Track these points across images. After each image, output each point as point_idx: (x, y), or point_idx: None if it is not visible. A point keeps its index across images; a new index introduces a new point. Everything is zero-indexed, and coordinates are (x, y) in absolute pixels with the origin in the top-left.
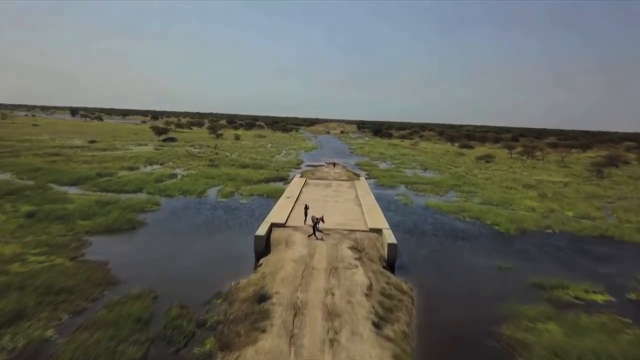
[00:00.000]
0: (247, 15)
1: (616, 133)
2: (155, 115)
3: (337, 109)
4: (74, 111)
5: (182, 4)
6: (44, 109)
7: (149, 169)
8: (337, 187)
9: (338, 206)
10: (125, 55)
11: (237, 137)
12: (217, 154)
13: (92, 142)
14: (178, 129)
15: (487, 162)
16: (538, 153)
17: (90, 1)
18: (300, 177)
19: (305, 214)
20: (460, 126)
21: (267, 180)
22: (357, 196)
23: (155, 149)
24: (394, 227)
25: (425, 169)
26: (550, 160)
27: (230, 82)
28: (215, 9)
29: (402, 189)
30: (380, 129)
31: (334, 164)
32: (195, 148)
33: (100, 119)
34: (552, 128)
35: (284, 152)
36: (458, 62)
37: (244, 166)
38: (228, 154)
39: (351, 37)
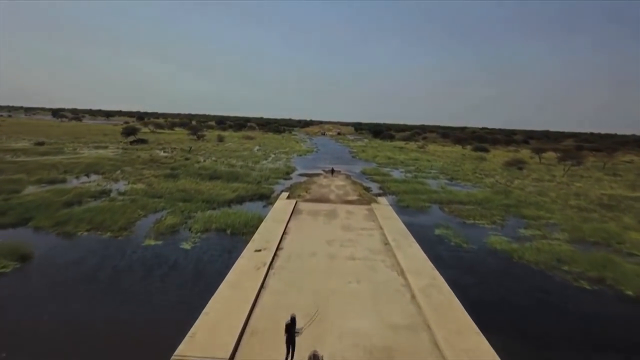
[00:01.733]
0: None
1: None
2: (141, 116)
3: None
4: (55, 112)
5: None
6: (28, 109)
7: (79, 181)
8: (347, 219)
9: (357, 274)
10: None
11: (221, 139)
12: (187, 159)
13: (39, 144)
14: (158, 130)
15: (520, 169)
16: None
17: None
18: (288, 197)
19: (290, 347)
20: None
21: (240, 200)
22: (385, 242)
23: (113, 153)
24: (471, 305)
25: (451, 179)
26: (589, 166)
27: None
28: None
29: (437, 212)
30: (380, 131)
31: (333, 171)
32: (165, 152)
33: (79, 119)
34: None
35: (273, 156)
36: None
37: (214, 177)
38: (201, 159)
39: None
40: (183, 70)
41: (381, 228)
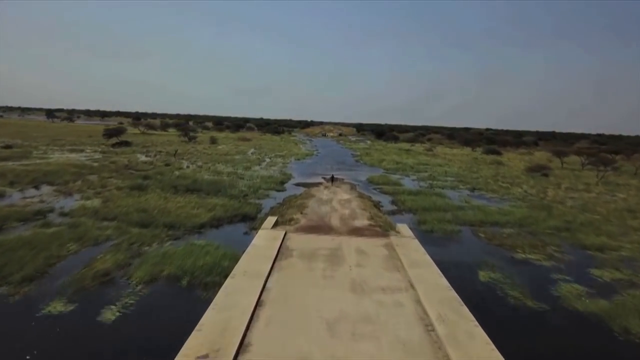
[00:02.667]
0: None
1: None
2: (137, 116)
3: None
4: (49, 113)
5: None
6: (25, 110)
7: (21, 195)
8: (359, 266)
9: None
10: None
11: (214, 141)
12: (167, 164)
13: (6, 147)
14: (149, 131)
15: (544, 175)
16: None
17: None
18: (275, 225)
19: None
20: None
21: (216, 224)
22: (426, 324)
23: (86, 158)
24: None
25: (473, 189)
26: (619, 172)
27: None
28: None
29: (470, 240)
30: (384, 132)
31: (333, 178)
32: (147, 155)
33: (72, 120)
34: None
35: (267, 160)
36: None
37: (191, 189)
38: (184, 166)
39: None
40: (182, 70)
41: (412, 287)
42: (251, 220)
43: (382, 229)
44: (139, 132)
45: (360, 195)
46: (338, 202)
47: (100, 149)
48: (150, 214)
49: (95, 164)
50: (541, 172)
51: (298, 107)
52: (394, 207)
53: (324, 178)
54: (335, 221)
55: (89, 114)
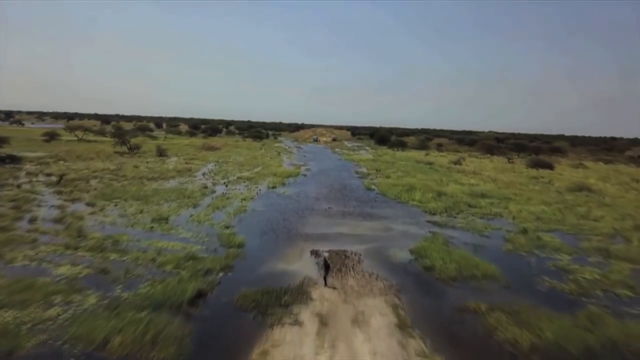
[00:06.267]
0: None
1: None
2: (107, 119)
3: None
4: (7, 115)
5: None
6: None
7: None
8: None
9: None
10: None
11: (162, 153)
12: None
13: None
14: (88, 138)
15: None
16: None
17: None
18: None
19: None
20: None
21: None
22: None
23: None
24: None
25: None
26: None
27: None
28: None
29: None
30: (386, 137)
31: (327, 266)
32: (20, 184)
33: (21, 123)
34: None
35: (221, 189)
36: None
37: None
38: (27, 218)
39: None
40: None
41: None
42: None
43: None
44: (76, 138)
45: None
46: None
47: None
48: None
49: None
50: None
51: (289, 109)
52: None
53: (315, 255)
54: None
55: (55, 116)
